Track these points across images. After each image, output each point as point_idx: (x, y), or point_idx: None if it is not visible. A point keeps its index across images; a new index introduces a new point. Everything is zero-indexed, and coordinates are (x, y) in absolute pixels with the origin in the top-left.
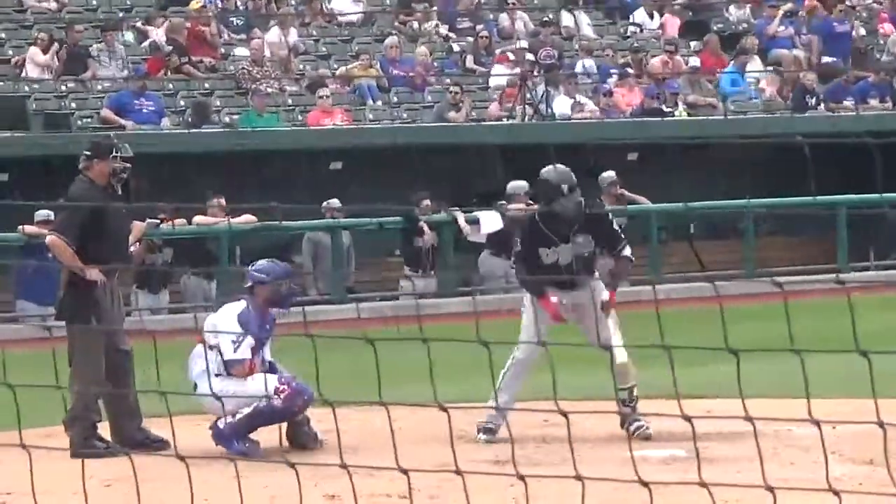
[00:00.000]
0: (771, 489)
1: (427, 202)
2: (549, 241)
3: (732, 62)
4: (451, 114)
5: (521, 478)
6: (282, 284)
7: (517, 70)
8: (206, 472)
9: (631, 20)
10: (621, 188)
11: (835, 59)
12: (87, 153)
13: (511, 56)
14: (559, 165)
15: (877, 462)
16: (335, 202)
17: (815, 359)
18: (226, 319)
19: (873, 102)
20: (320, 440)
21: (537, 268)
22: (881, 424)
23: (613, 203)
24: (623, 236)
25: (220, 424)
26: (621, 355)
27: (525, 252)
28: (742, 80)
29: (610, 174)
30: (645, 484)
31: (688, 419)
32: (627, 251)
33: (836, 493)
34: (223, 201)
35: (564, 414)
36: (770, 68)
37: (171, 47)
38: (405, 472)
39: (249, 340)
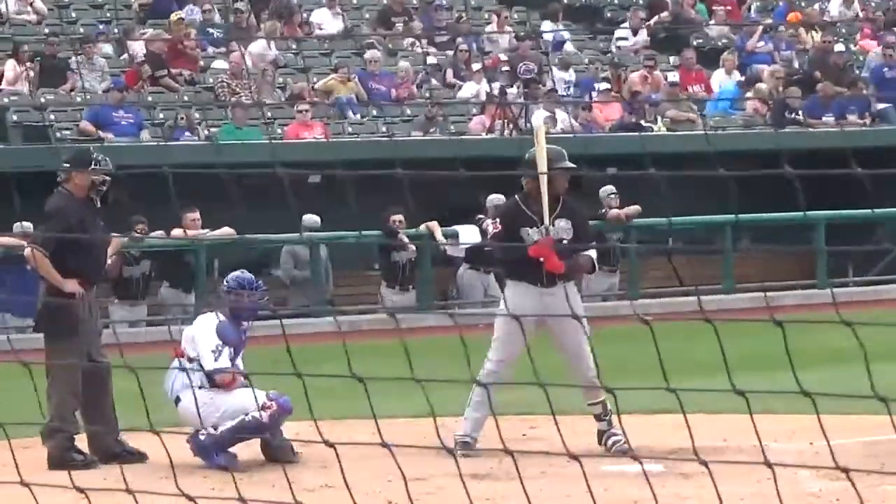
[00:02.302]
0: None
1: (400, 217)
2: (532, 222)
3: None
4: (431, 128)
5: None
6: (244, 295)
7: (496, 84)
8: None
9: (615, 35)
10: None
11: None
12: (67, 165)
13: (473, 68)
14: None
15: (853, 478)
16: (314, 218)
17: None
18: (203, 331)
19: (852, 118)
20: (297, 452)
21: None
22: (845, 470)
23: (615, 218)
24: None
25: (202, 436)
26: (592, 371)
27: (506, 234)
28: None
29: (610, 187)
30: None
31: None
32: (594, 254)
33: None
34: (197, 215)
35: (511, 453)
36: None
37: (145, 59)
38: None
39: (228, 350)
